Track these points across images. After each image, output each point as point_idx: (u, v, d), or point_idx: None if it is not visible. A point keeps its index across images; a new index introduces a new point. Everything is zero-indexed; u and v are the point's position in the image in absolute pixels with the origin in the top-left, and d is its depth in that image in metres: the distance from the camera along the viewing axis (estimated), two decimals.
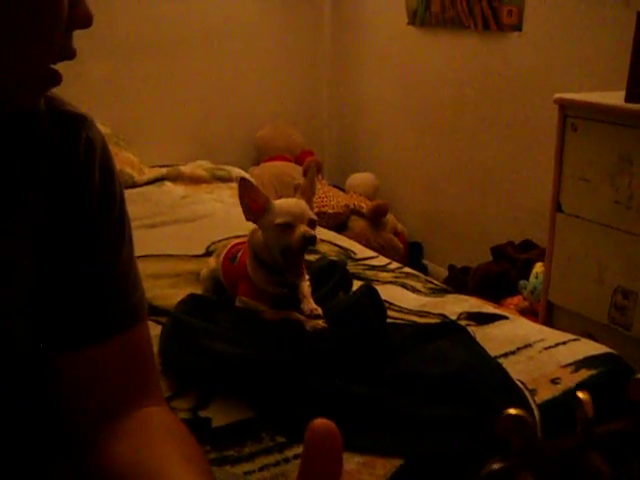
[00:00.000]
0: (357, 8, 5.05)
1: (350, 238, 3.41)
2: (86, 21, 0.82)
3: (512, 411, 0.53)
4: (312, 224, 2.12)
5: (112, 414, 0.97)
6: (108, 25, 4.26)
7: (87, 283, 0.97)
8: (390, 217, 4.53)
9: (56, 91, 0.92)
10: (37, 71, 0.81)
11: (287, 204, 2.13)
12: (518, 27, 3.78)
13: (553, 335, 2.26)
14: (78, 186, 0.95)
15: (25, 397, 0.98)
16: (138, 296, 1.04)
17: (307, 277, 2.24)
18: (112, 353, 0.98)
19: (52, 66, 0.82)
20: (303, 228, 2.07)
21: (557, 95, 2.91)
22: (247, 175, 3.91)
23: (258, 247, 2.17)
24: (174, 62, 4.73)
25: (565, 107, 2.87)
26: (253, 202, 2.13)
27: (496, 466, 0.53)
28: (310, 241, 2.07)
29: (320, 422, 0.57)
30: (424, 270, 4.29)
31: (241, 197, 2.13)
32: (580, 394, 0.53)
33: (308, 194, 2.20)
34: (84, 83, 3.86)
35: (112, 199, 1.00)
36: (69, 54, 0.83)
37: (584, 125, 2.82)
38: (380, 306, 2.17)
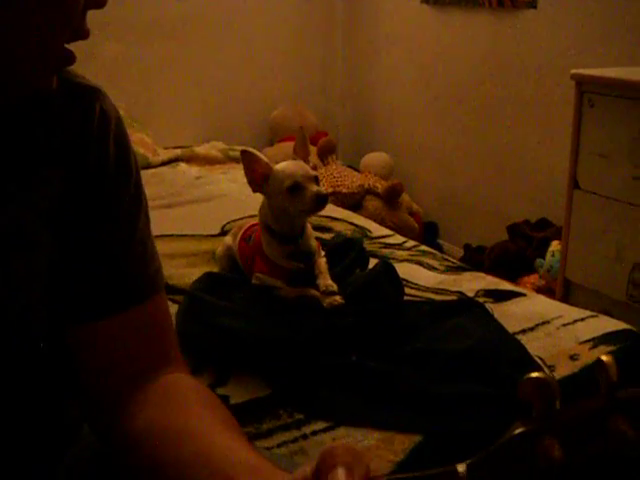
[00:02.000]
0: None
1: (365, 218, 3.39)
2: (101, 0, 0.82)
3: (534, 374, 0.52)
4: (316, 181, 2.11)
5: (136, 383, 0.97)
6: (122, 6, 4.25)
7: (105, 254, 0.97)
8: (405, 197, 4.51)
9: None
10: (53, 51, 0.80)
11: (289, 166, 2.12)
12: (533, 4, 3.75)
13: (571, 312, 2.25)
14: (94, 158, 0.95)
15: (44, 372, 0.99)
16: (156, 267, 1.04)
17: (323, 253, 2.23)
18: (132, 323, 0.99)
19: (66, 46, 0.82)
20: (314, 187, 2.06)
21: (574, 71, 2.89)
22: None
23: (268, 218, 2.16)
24: (188, 43, 4.72)
25: (582, 83, 2.85)
26: (255, 172, 2.12)
27: (518, 430, 0.53)
28: (323, 199, 2.06)
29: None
30: (439, 249, 4.27)
31: (245, 169, 2.12)
32: (604, 357, 0.52)
33: (302, 155, 2.18)
34: (98, 64, 3.86)
35: (128, 171, 1.00)
36: (83, 34, 0.82)
37: (601, 101, 2.79)
38: (397, 283, 2.16)
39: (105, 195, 0.97)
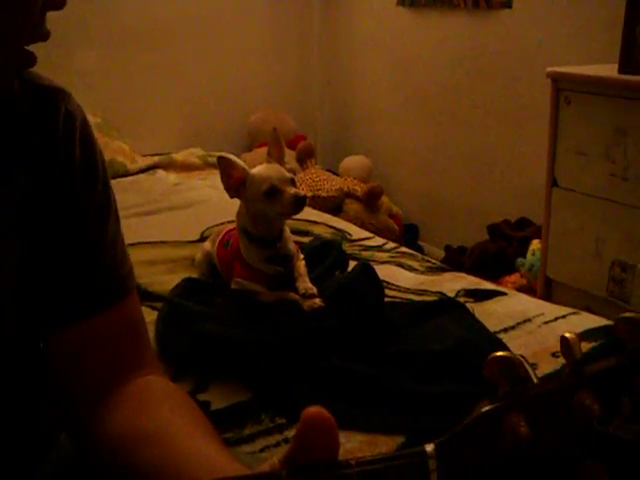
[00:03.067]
0: None
1: (345, 221, 3.39)
2: (60, 1, 0.81)
3: (500, 353, 0.53)
4: (293, 183, 2.11)
5: (109, 386, 0.96)
6: (98, 13, 4.26)
7: (75, 257, 0.96)
8: (385, 199, 4.51)
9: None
10: (12, 52, 0.79)
11: (265, 170, 2.12)
12: (508, 4, 3.77)
13: (552, 309, 2.27)
14: (60, 159, 0.94)
15: (18, 376, 0.97)
16: (127, 268, 1.03)
17: (302, 256, 2.23)
18: (105, 326, 0.97)
19: (26, 47, 0.80)
20: (292, 190, 2.06)
21: (550, 69, 2.90)
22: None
23: (246, 222, 2.15)
24: (164, 50, 4.71)
25: (558, 80, 2.86)
26: (231, 177, 2.11)
27: (485, 408, 0.53)
28: (301, 201, 2.06)
29: (314, 408, 0.56)
30: (420, 251, 4.27)
31: (222, 175, 2.12)
32: (567, 334, 0.52)
33: (277, 156, 2.18)
34: (74, 72, 3.84)
35: (95, 171, 0.99)
36: (42, 35, 0.81)
37: (578, 98, 2.81)
38: (377, 284, 2.16)
39: (72, 195, 0.96)
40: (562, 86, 2.85)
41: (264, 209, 2.08)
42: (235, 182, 2.11)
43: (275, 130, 2.22)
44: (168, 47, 4.72)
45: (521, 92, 3.78)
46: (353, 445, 1.61)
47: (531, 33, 3.66)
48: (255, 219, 2.12)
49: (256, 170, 2.12)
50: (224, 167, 2.11)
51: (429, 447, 0.54)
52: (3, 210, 0.89)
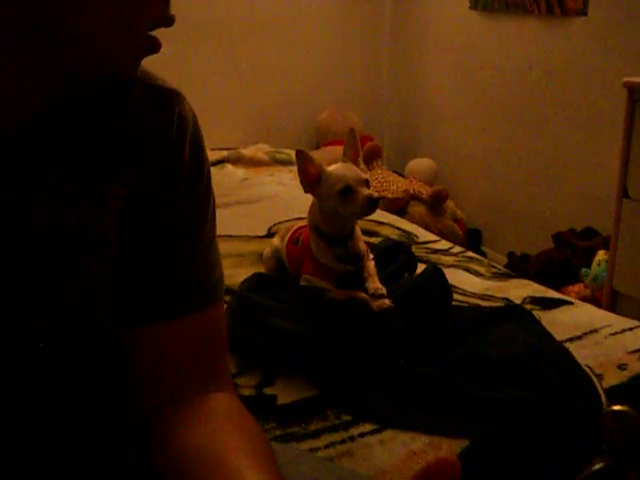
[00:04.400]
0: None
1: (411, 223, 3.39)
2: None
3: (617, 407, 0.51)
4: (367, 184, 2.12)
5: (178, 395, 0.96)
6: (174, 7, 4.28)
7: (167, 258, 0.97)
8: (450, 203, 4.50)
9: None
10: (136, 36, 0.80)
11: (341, 169, 2.13)
12: (583, 12, 3.72)
13: (619, 321, 2.24)
14: (169, 162, 0.95)
15: (101, 374, 0.99)
16: (217, 277, 1.03)
17: (372, 256, 2.24)
18: (185, 331, 0.98)
19: (150, 33, 0.82)
20: (366, 191, 2.08)
21: (626, 79, 2.87)
22: None
23: (318, 220, 2.18)
24: (236, 45, 4.75)
25: (634, 91, 2.83)
26: (307, 173, 2.13)
27: (599, 465, 0.52)
28: (375, 203, 2.08)
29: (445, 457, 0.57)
30: (483, 257, 4.26)
31: (299, 168, 2.14)
32: None
33: (352, 156, 2.19)
34: (148, 64, 3.88)
35: (200, 177, 1.00)
36: (167, 21, 0.83)
37: None
38: (446, 288, 2.16)
39: (176, 199, 0.97)
40: (638, 97, 2.82)
41: (337, 208, 2.10)
42: (310, 178, 2.13)
43: (352, 130, 2.23)
44: (240, 43, 4.76)
45: (594, 101, 3.73)
46: (417, 446, 1.61)
47: (606, 42, 3.62)
48: (328, 217, 2.14)
49: (332, 168, 2.14)
50: (301, 162, 2.13)
51: None
52: (108, 206, 0.91)
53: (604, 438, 0.51)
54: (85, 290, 0.90)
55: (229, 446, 0.88)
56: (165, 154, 0.95)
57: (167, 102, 0.96)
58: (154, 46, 0.82)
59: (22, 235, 0.85)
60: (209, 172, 1.02)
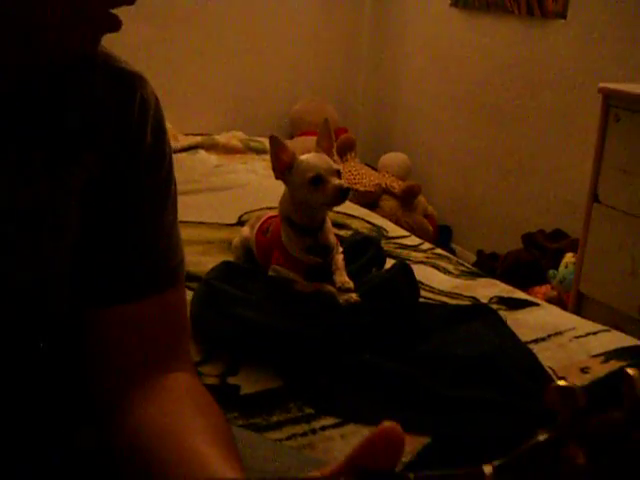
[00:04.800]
0: None
1: (382, 218, 3.39)
2: None
3: (561, 382, 0.52)
4: (339, 174, 2.13)
5: (138, 377, 0.96)
6: None
7: (127, 242, 0.97)
8: (421, 199, 4.51)
9: None
10: (96, 13, 0.79)
11: (313, 159, 2.14)
12: (563, 14, 3.74)
13: (584, 325, 2.26)
14: (130, 143, 0.95)
15: (53, 355, 0.98)
16: (179, 259, 1.03)
17: (341, 250, 2.24)
18: (145, 313, 0.97)
19: (112, 11, 0.80)
20: (337, 181, 2.08)
21: (601, 84, 2.89)
22: None
23: (289, 209, 2.17)
24: (213, 31, 4.73)
25: (609, 97, 2.85)
26: (280, 160, 2.13)
27: (542, 437, 0.53)
28: (345, 193, 2.08)
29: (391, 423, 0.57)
30: (452, 253, 4.27)
31: (272, 154, 2.14)
32: (630, 370, 0.52)
33: (326, 147, 2.19)
34: (122, 48, 3.84)
35: (161, 159, 0.99)
36: None
37: (627, 116, 2.79)
38: (414, 284, 2.17)
39: (136, 181, 0.96)
40: (613, 103, 2.84)
41: (307, 197, 2.10)
42: (282, 165, 2.13)
43: (326, 121, 2.23)
44: (217, 29, 4.74)
45: (569, 104, 3.75)
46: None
47: (584, 46, 3.63)
48: (298, 207, 2.14)
49: (304, 157, 2.14)
50: (274, 147, 2.13)
51: (487, 469, 0.54)
52: (68, 186, 0.90)
53: (547, 412, 0.53)
54: (42, 271, 0.90)
55: (188, 424, 0.88)
56: (126, 136, 0.94)
57: (129, 85, 0.95)
58: (114, 24, 0.81)
59: None
60: (171, 156, 1.02)
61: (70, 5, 0.76)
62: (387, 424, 0.56)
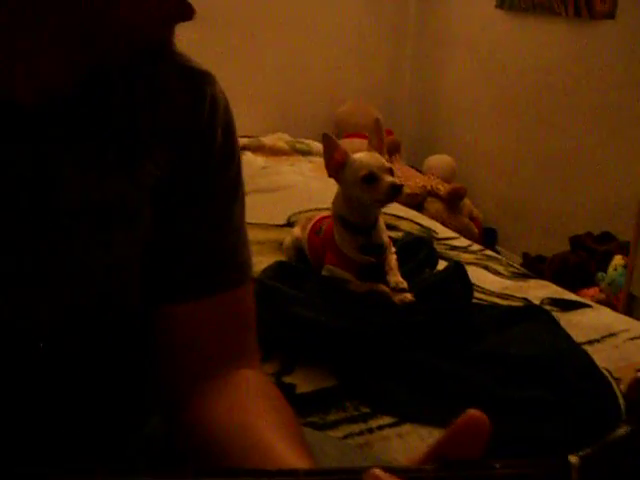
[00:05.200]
0: None
1: (430, 219, 3.39)
2: None
3: None
4: (391, 172, 2.14)
5: (208, 372, 0.96)
6: None
7: (199, 238, 0.98)
8: (466, 201, 4.49)
9: None
10: (167, 1, 0.80)
11: (366, 157, 2.15)
12: (611, 15, 3.70)
13: (638, 326, 2.24)
14: (201, 142, 0.96)
15: (127, 349, 0.99)
16: (246, 257, 1.04)
17: (394, 250, 2.24)
18: (215, 310, 0.98)
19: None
20: (389, 178, 2.09)
21: None
22: None
23: (342, 208, 2.18)
24: (258, 33, 4.74)
25: None
26: (333, 158, 2.15)
27: (623, 430, 0.53)
28: (397, 190, 2.09)
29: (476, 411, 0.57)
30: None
31: (325, 152, 2.16)
32: None
33: (377, 146, 2.20)
34: None
35: (231, 158, 1.01)
36: None
37: None
38: (468, 285, 2.17)
39: (207, 180, 0.97)
40: None
41: (360, 194, 2.11)
42: (335, 163, 2.14)
43: (377, 121, 2.24)
44: (262, 31, 4.75)
45: (616, 105, 3.71)
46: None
47: (633, 46, 3.60)
48: (351, 205, 2.15)
49: (356, 155, 2.16)
50: (327, 146, 2.15)
51: (573, 459, 0.55)
52: (141, 182, 0.91)
53: (630, 405, 0.53)
54: (114, 265, 0.91)
55: (260, 419, 0.89)
56: (197, 135, 0.95)
57: (200, 83, 0.97)
58: (187, 12, 0.82)
59: (55, 205, 0.85)
60: (239, 156, 1.03)
61: None
62: (472, 412, 0.57)
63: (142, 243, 0.93)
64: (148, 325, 0.98)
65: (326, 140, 2.15)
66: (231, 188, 1.02)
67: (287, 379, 1.83)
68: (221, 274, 0.99)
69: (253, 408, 0.92)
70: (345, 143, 4.60)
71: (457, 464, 0.57)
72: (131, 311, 0.96)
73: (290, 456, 0.81)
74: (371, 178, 2.09)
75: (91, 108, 0.87)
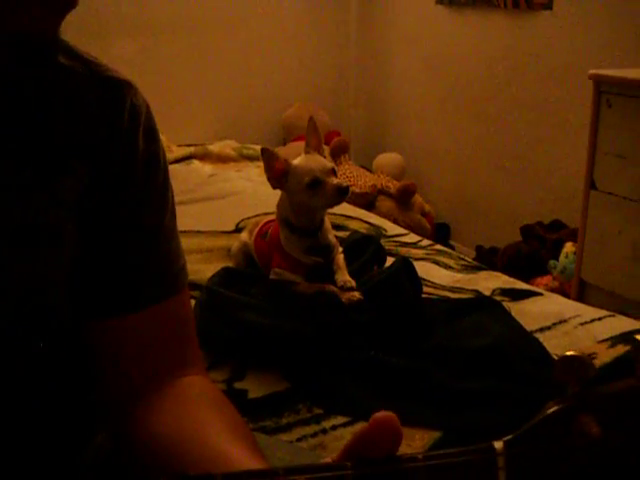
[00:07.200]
0: None
1: (380, 217, 3.39)
2: None
3: (570, 353, 0.52)
4: (334, 173, 2.12)
5: (151, 383, 0.95)
6: (136, 3, 4.26)
7: (129, 250, 0.96)
8: (417, 197, 4.51)
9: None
10: None
11: (306, 162, 2.13)
12: (549, 6, 3.74)
13: (588, 311, 2.25)
14: (122, 152, 0.94)
15: (63, 367, 0.97)
16: (180, 265, 1.02)
17: (341, 249, 2.23)
18: (152, 321, 0.97)
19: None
20: (334, 180, 2.08)
21: (592, 71, 2.89)
22: None
23: (288, 212, 2.17)
24: (201, 41, 4.73)
25: (600, 83, 2.86)
26: (274, 169, 2.13)
27: (554, 408, 0.52)
28: (344, 191, 2.08)
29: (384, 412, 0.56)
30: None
31: (265, 166, 2.13)
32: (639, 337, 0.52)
33: (315, 145, 2.18)
34: (111, 61, 3.84)
35: (156, 165, 0.98)
36: None
37: (619, 101, 2.80)
38: (416, 280, 2.16)
39: (132, 188, 0.95)
40: (604, 89, 2.84)
41: (307, 200, 2.09)
42: (277, 174, 2.12)
43: (312, 119, 2.22)
44: (205, 39, 4.74)
45: (560, 94, 3.75)
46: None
47: (572, 35, 3.64)
48: (297, 210, 2.13)
49: (297, 162, 2.13)
50: (267, 159, 2.12)
51: (498, 444, 0.54)
52: (62, 199, 0.88)
53: (556, 385, 0.53)
54: (38, 284, 0.88)
55: (207, 424, 0.88)
56: (117, 144, 0.93)
57: (118, 92, 0.94)
58: (70, 2, 0.79)
59: None
60: (165, 162, 1.01)
61: None
62: (380, 414, 0.56)
63: (68, 259, 0.91)
64: (84, 340, 0.96)
65: (264, 154, 2.13)
66: (159, 196, 0.99)
67: (238, 385, 1.82)
68: (155, 284, 0.98)
69: (201, 415, 0.91)
70: (293, 146, 4.63)
71: (378, 460, 0.56)
72: (61, 327, 0.94)
73: (241, 456, 0.81)
74: (316, 183, 2.07)
75: (4, 127, 0.85)
